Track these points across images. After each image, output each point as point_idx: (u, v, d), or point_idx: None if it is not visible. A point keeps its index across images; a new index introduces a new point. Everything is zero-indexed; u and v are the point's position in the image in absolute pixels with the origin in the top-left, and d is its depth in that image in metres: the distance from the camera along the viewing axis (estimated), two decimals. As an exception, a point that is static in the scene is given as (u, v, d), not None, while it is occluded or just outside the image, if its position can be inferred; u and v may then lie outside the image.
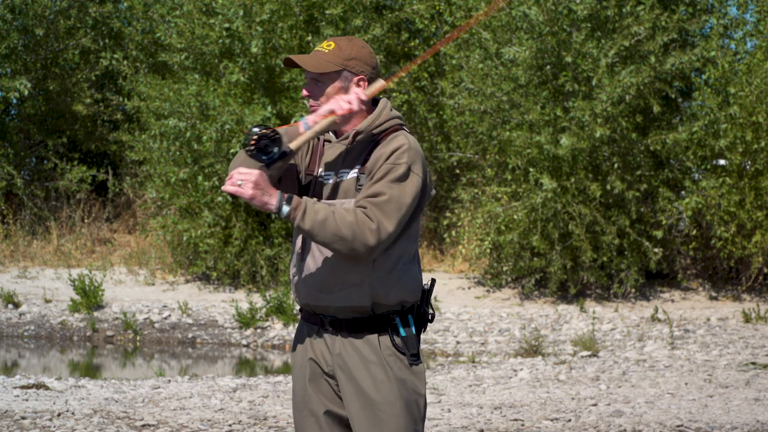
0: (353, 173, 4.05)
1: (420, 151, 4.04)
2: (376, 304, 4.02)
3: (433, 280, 4.17)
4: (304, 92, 4.12)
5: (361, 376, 4.02)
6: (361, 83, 4.09)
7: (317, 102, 4.09)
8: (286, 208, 3.89)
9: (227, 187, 3.88)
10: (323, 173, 4.10)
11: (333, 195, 4.05)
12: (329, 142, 4.14)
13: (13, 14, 19.39)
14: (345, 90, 4.07)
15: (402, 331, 4.02)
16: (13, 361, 13.55)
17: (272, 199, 3.88)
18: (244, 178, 3.86)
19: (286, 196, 3.89)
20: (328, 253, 4.01)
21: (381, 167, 3.98)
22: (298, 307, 4.29)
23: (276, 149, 3.94)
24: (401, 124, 4.10)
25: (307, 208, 3.89)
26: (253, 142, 3.93)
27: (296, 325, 14.82)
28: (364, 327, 4.03)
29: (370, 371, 4.01)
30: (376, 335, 4.03)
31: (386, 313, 4.03)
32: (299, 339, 4.19)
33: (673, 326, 14.05)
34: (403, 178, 3.97)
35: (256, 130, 3.94)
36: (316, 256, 4.04)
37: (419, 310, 4.08)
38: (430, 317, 4.11)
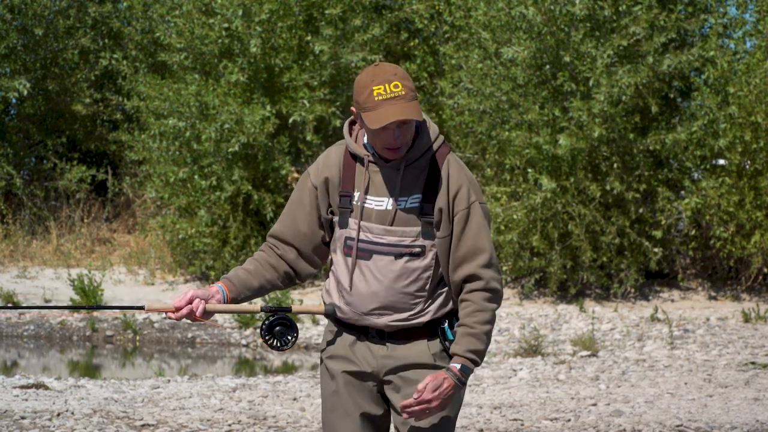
0: (414, 202, 3.99)
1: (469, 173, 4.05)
2: (431, 319, 4.08)
3: None
4: (395, 144, 3.93)
5: (408, 374, 4.05)
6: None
7: (404, 144, 3.96)
8: (469, 369, 3.96)
9: (420, 415, 3.94)
10: (376, 198, 4.01)
11: (391, 221, 4.00)
12: (374, 164, 4.01)
13: (13, 14, 19.37)
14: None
15: (449, 335, 4.06)
16: (12, 361, 13.56)
17: (450, 383, 3.94)
18: (429, 399, 3.92)
19: (457, 369, 3.94)
20: (382, 279, 4.01)
21: (459, 213, 3.97)
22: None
23: (293, 335, 4.06)
24: (444, 141, 4.04)
25: (476, 354, 3.97)
26: (274, 341, 4.07)
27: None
28: (413, 335, 4.06)
29: (418, 371, 4.04)
30: (425, 340, 4.07)
31: (434, 320, 4.07)
32: (334, 341, 4.15)
33: (673, 326, 14.05)
34: (481, 216, 3.99)
35: (278, 329, 4.05)
36: (370, 282, 4.02)
37: (457, 314, 4.11)
38: None
